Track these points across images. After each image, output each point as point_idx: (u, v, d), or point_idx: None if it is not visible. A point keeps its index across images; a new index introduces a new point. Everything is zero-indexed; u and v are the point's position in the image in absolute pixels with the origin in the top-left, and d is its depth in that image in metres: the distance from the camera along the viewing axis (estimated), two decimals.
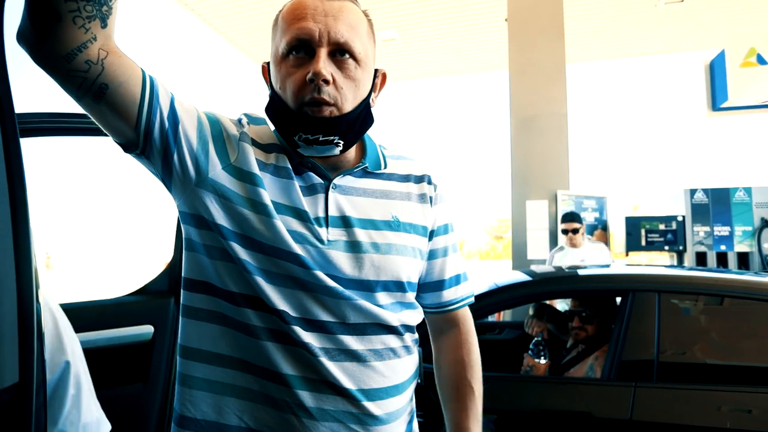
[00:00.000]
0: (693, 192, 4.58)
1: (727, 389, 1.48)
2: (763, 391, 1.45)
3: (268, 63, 0.73)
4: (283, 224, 0.66)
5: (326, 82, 0.63)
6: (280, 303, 0.65)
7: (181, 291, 0.72)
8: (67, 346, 0.80)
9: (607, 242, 4.41)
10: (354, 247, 0.69)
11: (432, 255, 0.80)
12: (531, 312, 2.38)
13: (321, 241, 0.67)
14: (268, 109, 0.70)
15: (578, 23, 5.41)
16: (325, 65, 0.63)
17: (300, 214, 0.68)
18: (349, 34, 0.65)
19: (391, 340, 0.71)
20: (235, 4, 5.07)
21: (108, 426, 0.85)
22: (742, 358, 1.60)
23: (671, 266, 2.95)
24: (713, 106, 5.20)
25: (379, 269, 0.69)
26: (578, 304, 2.06)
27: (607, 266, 2.35)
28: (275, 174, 0.70)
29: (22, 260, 0.47)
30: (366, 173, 0.75)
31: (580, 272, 1.94)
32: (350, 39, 0.65)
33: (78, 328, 0.93)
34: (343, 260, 0.68)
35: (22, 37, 0.54)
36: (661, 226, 4.68)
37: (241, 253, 0.65)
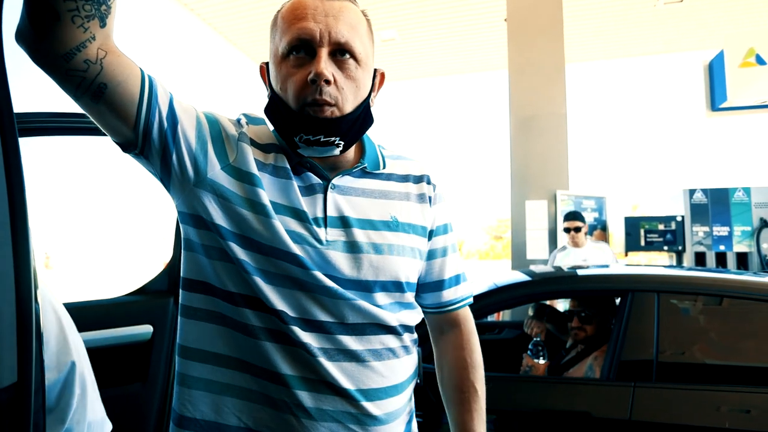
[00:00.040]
0: (692, 192, 4.59)
1: (726, 389, 1.48)
2: (762, 391, 1.46)
3: (266, 63, 0.72)
4: (282, 224, 0.66)
5: (327, 82, 0.63)
6: (279, 303, 0.65)
7: (180, 291, 0.72)
8: (72, 346, 0.80)
9: (606, 242, 4.41)
10: (352, 247, 0.69)
11: (431, 255, 0.80)
12: (531, 312, 2.38)
13: (319, 241, 0.67)
14: (268, 110, 0.70)
15: (577, 23, 5.42)
16: (326, 65, 0.63)
17: (298, 215, 0.68)
18: (350, 34, 0.65)
19: (390, 341, 0.71)
20: (235, 4, 5.07)
21: (110, 425, 0.85)
22: (741, 358, 1.61)
23: (670, 266, 2.95)
24: (712, 106, 5.20)
25: (377, 269, 0.69)
26: (577, 304, 2.06)
27: (606, 266, 2.35)
28: (274, 174, 0.70)
29: (20, 260, 0.46)
30: (365, 173, 0.75)
31: (580, 272, 1.94)
32: (351, 39, 0.65)
33: (77, 328, 0.93)
34: (341, 260, 0.68)
35: (21, 37, 0.54)
36: (661, 227, 4.68)
37: (240, 253, 0.65)
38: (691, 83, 5.72)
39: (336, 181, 0.71)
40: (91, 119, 0.62)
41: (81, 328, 0.91)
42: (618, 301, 1.79)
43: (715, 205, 4.52)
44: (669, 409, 1.46)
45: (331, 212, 0.70)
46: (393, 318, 0.71)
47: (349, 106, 0.66)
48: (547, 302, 2.96)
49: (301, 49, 0.65)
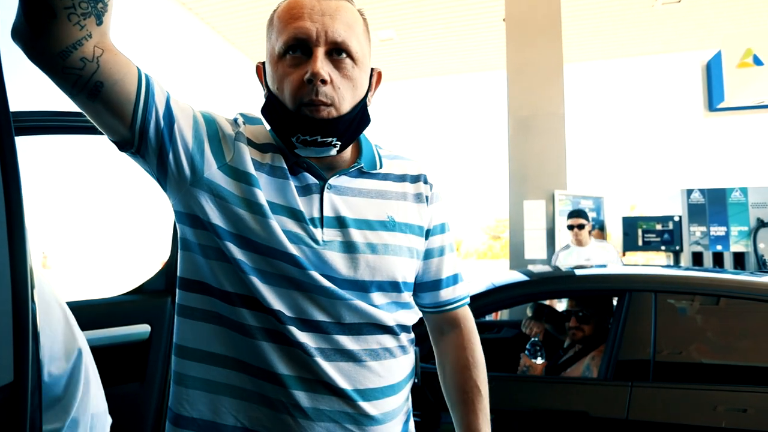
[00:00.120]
0: (689, 192, 4.60)
1: (723, 389, 1.48)
2: (759, 391, 1.46)
3: (263, 63, 0.72)
4: (279, 224, 0.66)
5: (324, 82, 0.63)
6: (276, 303, 0.65)
7: (176, 290, 0.72)
8: (77, 335, 0.81)
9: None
10: (349, 247, 0.69)
11: (428, 254, 0.80)
12: (529, 312, 2.38)
13: (316, 241, 0.67)
14: (265, 110, 0.70)
15: (576, 23, 5.43)
16: (323, 65, 0.63)
17: (295, 214, 0.68)
18: (347, 33, 0.65)
19: (387, 340, 0.71)
20: (233, 3, 5.06)
21: (110, 420, 0.86)
22: (738, 358, 1.61)
23: (668, 266, 2.96)
24: (710, 107, 5.22)
25: (374, 269, 0.69)
26: (575, 304, 2.06)
27: (604, 266, 2.35)
28: (271, 174, 0.69)
29: (17, 259, 0.46)
30: (361, 173, 0.75)
31: (577, 272, 1.94)
32: (347, 38, 0.65)
33: None
34: (338, 261, 0.68)
35: (17, 34, 0.54)
36: (658, 226, 4.69)
37: (237, 252, 0.65)
38: (688, 83, 5.75)
39: (333, 181, 0.71)
40: (88, 118, 0.62)
41: (79, 327, 0.91)
42: (615, 301, 1.79)
43: (712, 205, 4.53)
44: (666, 408, 1.47)
45: (328, 212, 0.69)
46: (390, 318, 0.71)
47: (345, 106, 0.66)
48: (546, 302, 2.97)
49: (298, 48, 0.65)
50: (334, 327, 0.67)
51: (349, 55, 0.66)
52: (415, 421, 0.85)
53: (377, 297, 0.70)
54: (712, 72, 5.13)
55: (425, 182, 0.80)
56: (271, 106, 0.68)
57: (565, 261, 3.59)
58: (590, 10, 5.27)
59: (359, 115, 0.69)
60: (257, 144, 0.71)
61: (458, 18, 5.42)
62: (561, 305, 3.06)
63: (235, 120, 0.74)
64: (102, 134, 0.65)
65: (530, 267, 2.58)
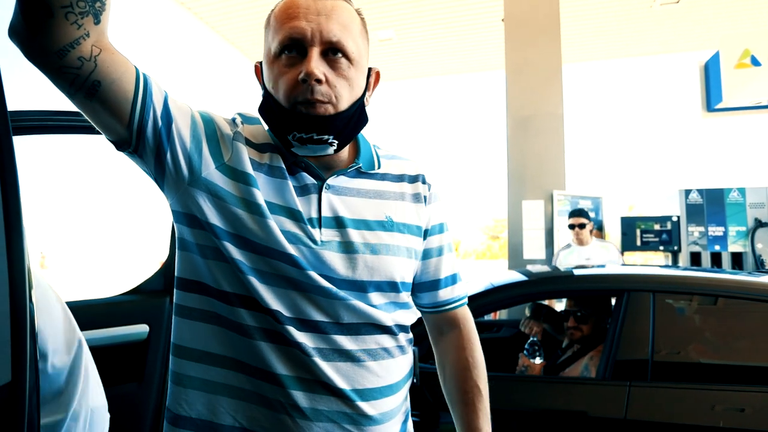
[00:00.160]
0: (688, 192, 4.61)
1: (721, 388, 1.49)
2: (757, 390, 1.46)
3: (261, 63, 0.72)
4: (277, 224, 0.66)
5: (319, 81, 0.63)
6: (274, 303, 0.65)
7: (174, 290, 0.71)
8: (76, 327, 0.82)
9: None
10: (347, 247, 0.68)
11: (427, 254, 0.80)
12: (527, 312, 2.39)
13: (314, 241, 0.67)
14: (262, 109, 0.70)
15: (574, 24, 5.43)
16: (317, 65, 0.63)
17: (293, 214, 0.68)
18: (342, 33, 0.65)
19: (385, 340, 0.71)
20: (232, 3, 5.06)
21: (108, 416, 0.86)
22: (735, 358, 1.61)
23: (666, 266, 2.96)
24: (708, 107, 5.23)
25: (372, 270, 0.69)
26: (573, 304, 2.06)
27: (603, 266, 2.36)
28: (269, 174, 0.69)
29: (15, 260, 0.46)
30: (360, 173, 0.75)
31: (576, 272, 1.94)
32: (343, 38, 0.65)
33: None
34: (336, 261, 0.68)
35: (14, 33, 0.54)
36: (656, 227, 4.70)
37: (235, 252, 0.65)
38: (686, 84, 5.75)
39: (331, 181, 0.71)
40: (86, 117, 0.62)
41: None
42: (614, 300, 1.80)
43: (710, 206, 4.55)
44: (664, 408, 1.47)
45: (326, 212, 0.69)
46: (388, 318, 0.71)
47: (342, 104, 0.66)
48: (544, 302, 2.97)
49: (293, 48, 0.65)
50: (333, 327, 0.67)
51: (345, 55, 0.65)
52: (413, 421, 0.85)
53: (375, 297, 0.70)
54: (710, 72, 5.14)
55: (423, 182, 0.80)
56: (268, 105, 0.68)
57: (565, 260, 3.58)
58: (589, 11, 5.28)
59: (356, 114, 0.69)
60: (255, 144, 0.71)
61: (457, 18, 5.42)
62: (560, 305, 3.06)
63: (234, 120, 0.74)
64: (100, 134, 0.65)
65: (529, 267, 2.58)
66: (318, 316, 0.66)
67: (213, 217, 0.66)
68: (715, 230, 4.50)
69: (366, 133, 0.80)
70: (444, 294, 0.82)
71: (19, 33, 0.54)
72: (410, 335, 0.77)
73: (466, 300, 0.86)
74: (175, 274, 0.71)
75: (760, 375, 1.53)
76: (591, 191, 4.60)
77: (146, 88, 0.61)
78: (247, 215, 0.66)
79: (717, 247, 4.48)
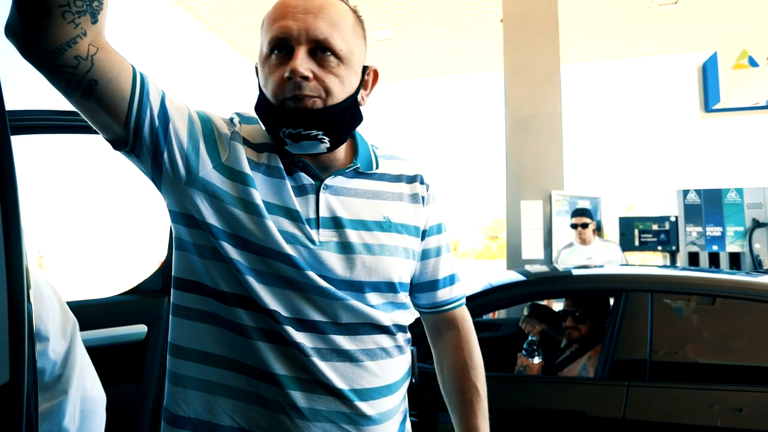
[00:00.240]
0: (686, 193, 4.62)
1: (719, 388, 1.49)
2: (754, 390, 1.47)
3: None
4: (275, 224, 0.66)
5: (305, 78, 0.63)
6: (272, 303, 0.65)
7: (171, 290, 0.71)
8: (69, 311, 0.83)
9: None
10: (345, 248, 0.68)
11: (425, 255, 0.80)
12: (525, 312, 2.39)
13: (312, 241, 0.67)
14: (256, 108, 0.70)
15: (573, 24, 5.44)
16: (302, 63, 0.63)
17: (292, 214, 0.68)
18: (329, 30, 0.64)
19: (384, 340, 0.71)
20: (231, 3, 5.05)
21: (104, 398, 0.87)
22: (733, 358, 1.62)
23: (664, 266, 2.97)
24: (706, 108, 5.25)
25: (370, 270, 0.69)
26: (572, 303, 2.07)
27: (601, 266, 2.36)
28: (267, 174, 0.69)
29: (13, 260, 0.46)
30: (358, 173, 0.75)
31: (574, 272, 1.95)
32: (330, 36, 0.64)
33: None
34: (334, 261, 0.68)
35: (11, 31, 0.54)
36: (654, 227, 4.71)
37: (232, 252, 0.65)
38: (684, 84, 5.76)
39: (328, 181, 0.71)
40: (83, 116, 0.62)
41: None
42: (612, 300, 1.80)
43: (708, 206, 4.56)
44: (662, 408, 1.47)
45: (324, 213, 0.69)
46: (386, 318, 0.71)
47: (332, 98, 0.65)
48: (543, 302, 2.97)
49: (282, 47, 0.65)
50: (331, 327, 0.67)
51: (333, 53, 0.65)
52: (412, 421, 0.85)
53: (373, 297, 0.70)
54: (708, 73, 5.15)
55: (421, 183, 0.80)
56: (260, 104, 0.68)
57: (567, 260, 3.58)
58: (587, 11, 5.28)
59: (348, 112, 0.68)
60: (253, 143, 0.71)
61: (456, 18, 5.43)
62: (558, 305, 3.07)
63: (231, 119, 0.74)
64: (97, 133, 0.65)
65: (527, 267, 2.58)
66: (316, 316, 0.66)
67: (210, 217, 0.66)
68: (713, 230, 4.51)
69: (364, 133, 0.80)
70: (442, 294, 0.82)
71: (15, 31, 0.53)
72: (408, 335, 0.77)
73: (464, 300, 0.86)
74: (173, 274, 0.71)
75: (759, 375, 1.53)
76: (589, 191, 4.61)
77: (143, 87, 0.61)
78: (244, 215, 0.65)
79: (715, 248, 4.50)
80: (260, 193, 0.67)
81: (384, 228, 0.72)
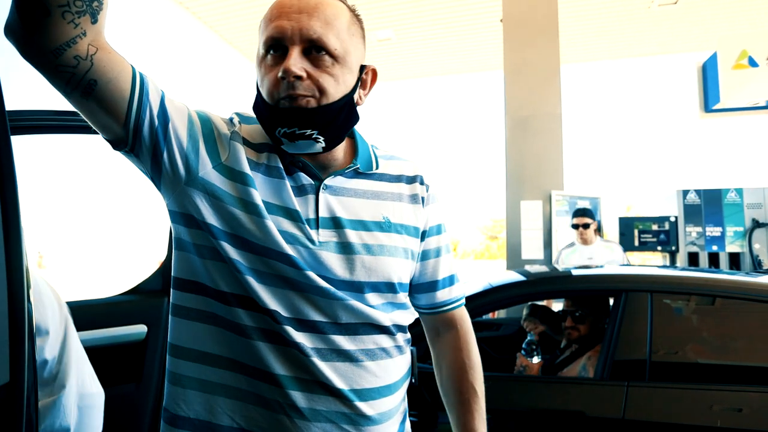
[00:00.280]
0: (685, 193, 4.63)
1: (719, 388, 1.49)
2: (754, 390, 1.47)
3: None
4: (275, 224, 0.66)
5: (299, 78, 0.63)
6: (272, 303, 0.65)
7: (171, 290, 0.71)
8: (64, 303, 0.83)
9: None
10: (345, 248, 0.68)
11: (425, 256, 0.80)
12: (525, 312, 2.39)
13: (312, 241, 0.67)
14: (254, 108, 0.70)
15: (573, 24, 5.44)
16: (296, 62, 0.63)
17: (291, 214, 0.68)
18: (323, 30, 0.64)
19: (383, 340, 0.71)
20: (230, 3, 5.05)
21: (102, 393, 0.87)
22: (733, 358, 1.62)
23: (664, 266, 2.97)
24: (706, 108, 5.24)
25: (370, 270, 0.69)
26: (571, 304, 2.07)
27: (601, 267, 2.36)
28: (266, 174, 0.69)
29: (13, 260, 0.46)
30: (357, 174, 0.75)
31: (574, 272, 1.95)
32: (324, 35, 0.64)
33: None
34: (334, 261, 0.67)
35: (10, 31, 0.54)
36: (654, 227, 4.71)
37: (232, 252, 0.65)
38: (684, 84, 5.77)
39: (328, 181, 0.71)
40: (82, 116, 0.62)
41: (75, 328, 0.92)
42: (612, 301, 1.80)
43: (708, 206, 4.56)
44: (662, 408, 1.47)
45: (323, 213, 0.69)
46: (386, 318, 0.71)
47: (326, 98, 0.65)
48: (543, 302, 2.97)
49: (277, 48, 0.65)
50: (331, 327, 0.67)
51: (328, 52, 0.65)
52: (411, 421, 0.85)
53: (373, 297, 0.70)
54: (708, 73, 5.15)
55: (421, 183, 0.80)
56: (257, 104, 0.69)
57: (568, 259, 3.57)
58: (587, 12, 5.28)
59: (344, 111, 0.68)
60: (253, 143, 0.71)
61: (456, 18, 5.43)
62: (558, 305, 3.07)
63: (231, 119, 0.74)
64: (97, 134, 0.65)
65: (527, 267, 2.58)
66: (316, 316, 0.66)
67: (210, 216, 0.66)
68: (713, 230, 4.51)
69: (364, 132, 0.80)
70: (441, 295, 0.82)
71: (15, 31, 0.54)
72: (408, 335, 0.77)
73: (463, 301, 0.86)
74: (172, 274, 0.71)
75: (758, 375, 1.53)
76: (589, 191, 4.61)
77: (142, 87, 0.61)
78: (244, 215, 0.65)
79: (714, 248, 4.50)
80: (260, 193, 0.67)
81: (383, 228, 0.72)
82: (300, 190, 0.70)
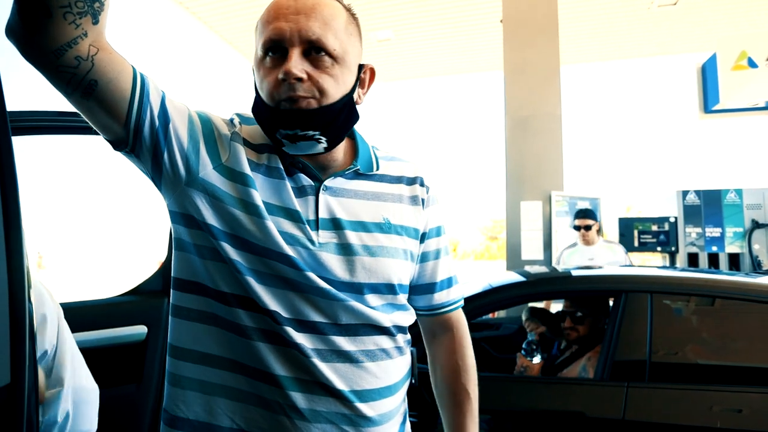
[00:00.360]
0: (685, 193, 4.63)
1: (719, 389, 1.49)
2: (754, 391, 1.47)
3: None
4: (275, 225, 0.66)
5: (300, 80, 0.63)
6: (272, 303, 0.65)
7: (171, 291, 0.71)
8: (56, 300, 0.84)
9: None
10: (345, 249, 0.68)
11: (424, 257, 0.80)
12: (524, 317, 2.39)
13: (312, 242, 0.67)
14: (253, 110, 0.70)
15: (573, 25, 5.44)
16: (296, 64, 0.62)
17: (292, 215, 0.68)
18: (322, 30, 0.64)
19: (384, 341, 0.71)
20: (231, 3, 5.05)
21: (97, 390, 0.87)
22: (733, 359, 1.62)
23: (663, 267, 2.97)
24: (705, 109, 5.25)
25: (370, 272, 0.69)
26: (571, 304, 2.07)
27: (600, 267, 2.36)
28: (267, 174, 0.69)
29: (14, 261, 0.46)
30: (357, 175, 0.74)
31: (574, 273, 1.95)
32: (323, 36, 0.64)
33: (71, 329, 0.93)
34: (334, 262, 0.67)
35: (11, 32, 0.54)
36: (654, 227, 4.72)
37: (232, 253, 0.65)
38: (684, 85, 5.77)
39: (328, 182, 0.71)
40: (83, 117, 0.62)
41: (75, 328, 0.92)
42: (611, 301, 1.80)
43: (707, 207, 4.56)
44: (662, 408, 1.47)
45: (323, 214, 0.69)
46: (386, 319, 0.71)
47: (327, 98, 0.65)
48: (543, 304, 2.97)
49: (276, 50, 0.65)
50: (331, 328, 0.67)
51: (327, 53, 0.65)
52: (411, 422, 0.85)
53: (373, 298, 0.70)
54: (707, 74, 5.15)
55: (422, 185, 0.80)
56: (256, 106, 0.68)
57: (569, 260, 3.56)
58: (587, 12, 5.29)
59: (344, 111, 0.68)
60: (253, 144, 0.71)
61: (456, 19, 5.43)
62: (558, 306, 3.06)
63: (231, 120, 0.74)
64: (97, 134, 0.65)
65: (527, 268, 2.58)
66: (316, 317, 0.66)
67: (210, 217, 0.66)
68: (713, 231, 4.51)
69: (364, 133, 0.80)
70: (439, 297, 0.82)
71: (16, 32, 0.54)
72: (408, 336, 0.77)
73: (461, 303, 0.85)
74: (172, 274, 0.71)
75: (758, 376, 1.53)
76: (589, 192, 4.61)
77: (143, 87, 0.61)
78: (244, 216, 0.65)
79: (714, 248, 4.50)
80: (260, 193, 0.67)
81: (384, 229, 0.72)
82: (300, 191, 0.70)
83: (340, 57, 0.66)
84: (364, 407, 0.67)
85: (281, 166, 0.70)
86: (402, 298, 0.75)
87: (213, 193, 0.66)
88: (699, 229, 4.54)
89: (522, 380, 1.83)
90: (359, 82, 0.71)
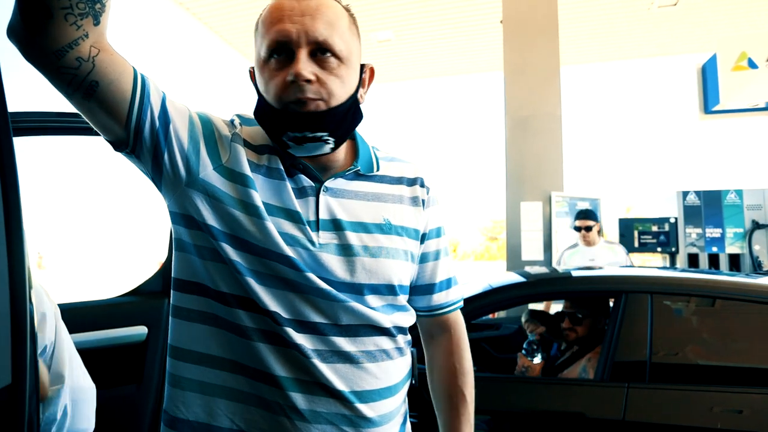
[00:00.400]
0: (685, 194, 4.63)
1: (719, 390, 1.49)
2: (754, 392, 1.47)
3: (253, 67, 0.72)
4: (275, 226, 0.66)
5: (308, 81, 0.63)
6: (272, 304, 0.65)
7: (171, 291, 0.71)
8: (52, 299, 0.84)
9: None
10: (345, 250, 0.68)
11: (423, 258, 0.80)
12: (524, 319, 2.39)
13: (312, 243, 0.67)
14: (257, 113, 0.70)
15: (573, 26, 5.45)
16: (305, 66, 0.63)
17: (292, 216, 0.68)
18: (328, 31, 0.64)
19: (384, 342, 0.71)
20: (231, 4, 5.06)
21: (94, 388, 0.87)
22: (733, 359, 1.62)
23: (664, 268, 2.97)
24: (705, 109, 5.25)
25: (370, 273, 0.69)
26: (571, 305, 2.07)
27: (601, 267, 2.36)
28: (267, 175, 0.69)
29: (15, 261, 0.46)
30: (358, 176, 0.75)
31: (574, 273, 1.95)
32: (329, 37, 0.64)
33: (71, 329, 0.93)
34: (334, 263, 0.68)
35: (13, 33, 0.54)
36: (654, 228, 4.71)
37: (232, 253, 0.65)
38: (684, 86, 5.77)
39: (329, 183, 0.71)
40: (84, 117, 0.62)
41: (75, 329, 0.92)
42: (612, 302, 1.80)
43: (707, 207, 4.56)
44: (662, 409, 1.47)
45: (323, 215, 0.69)
46: (387, 320, 0.71)
47: (334, 100, 0.65)
48: (543, 303, 2.97)
49: (282, 51, 0.64)
50: (331, 329, 0.67)
51: (333, 54, 0.65)
52: (411, 423, 0.85)
53: (373, 299, 0.70)
54: (708, 75, 5.15)
55: (422, 185, 0.80)
56: (261, 109, 0.68)
57: (569, 260, 3.55)
58: (587, 13, 5.29)
59: (350, 111, 0.68)
60: (253, 145, 0.71)
61: (456, 19, 5.43)
62: (558, 306, 3.06)
63: (232, 121, 0.74)
64: (98, 135, 0.65)
65: (527, 268, 2.58)
66: (316, 318, 0.66)
67: (210, 218, 0.66)
68: (713, 232, 4.51)
69: (364, 133, 0.80)
70: (438, 298, 0.82)
71: (17, 33, 0.54)
72: (409, 337, 0.77)
73: (460, 304, 0.85)
74: (172, 275, 0.71)
75: (758, 376, 1.53)
76: (589, 193, 4.61)
77: (144, 88, 0.62)
78: (244, 216, 0.65)
79: (714, 249, 4.50)
80: (260, 194, 0.67)
81: (384, 230, 0.72)
82: (301, 192, 0.70)
83: (345, 58, 0.66)
84: (364, 408, 0.67)
85: (282, 167, 0.70)
86: (402, 298, 0.75)
87: (213, 194, 0.66)
88: (699, 230, 4.54)
89: (522, 381, 1.83)
90: (360, 81, 0.71)
